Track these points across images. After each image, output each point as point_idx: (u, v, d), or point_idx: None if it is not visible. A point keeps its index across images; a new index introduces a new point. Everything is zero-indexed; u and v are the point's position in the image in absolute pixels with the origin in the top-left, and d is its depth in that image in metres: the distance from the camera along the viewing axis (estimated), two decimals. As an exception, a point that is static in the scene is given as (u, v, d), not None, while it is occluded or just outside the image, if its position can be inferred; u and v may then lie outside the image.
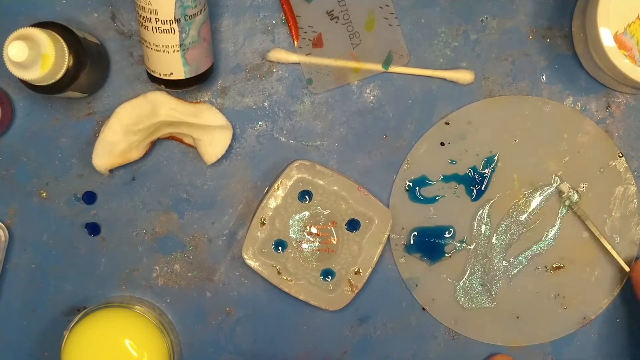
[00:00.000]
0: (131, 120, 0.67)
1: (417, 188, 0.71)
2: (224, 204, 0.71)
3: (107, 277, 0.72)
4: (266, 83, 0.71)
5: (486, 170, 0.71)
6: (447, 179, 0.71)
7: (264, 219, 0.69)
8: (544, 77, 0.71)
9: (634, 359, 0.72)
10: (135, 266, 0.72)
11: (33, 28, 0.58)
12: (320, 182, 0.69)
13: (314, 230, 0.70)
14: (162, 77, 0.65)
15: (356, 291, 0.70)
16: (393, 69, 0.70)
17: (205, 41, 0.65)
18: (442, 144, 0.71)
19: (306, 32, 0.70)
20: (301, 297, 0.70)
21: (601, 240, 0.70)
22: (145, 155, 0.70)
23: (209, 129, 0.68)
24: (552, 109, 0.70)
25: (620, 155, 0.71)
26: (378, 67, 0.70)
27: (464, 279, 0.71)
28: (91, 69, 0.64)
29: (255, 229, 0.69)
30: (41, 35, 0.58)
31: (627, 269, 0.70)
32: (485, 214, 0.71)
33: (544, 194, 0.71)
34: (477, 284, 0.72)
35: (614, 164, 0.71)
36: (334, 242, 0.70)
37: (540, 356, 0.72)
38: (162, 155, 0.71)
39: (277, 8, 0.70)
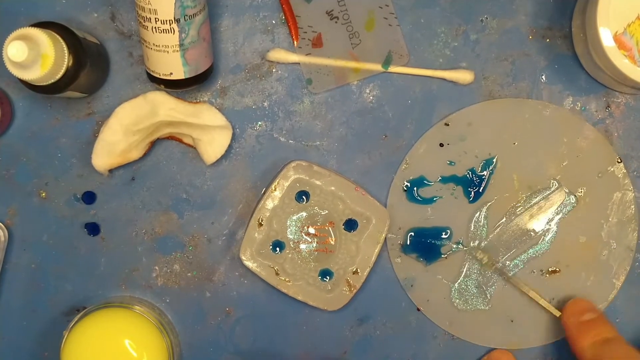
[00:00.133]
0: (131, 120, 0.67)
1: (415, 188, 0.71)
2: (224, 204, 0.71)
3: (107, 277, 0.72)
4: (266, 83, 0.71)
5: (485, 172, 0.71)
6: (445, 180, 0.71)
7: (262, 220, 0.69)
8: (543, 77, 0.71)
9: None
10: (135, 266, 0.72)
11: (33, 28, 0.59)
12: (318, 182, 0.69)
13: (311, 230, 0.70)
14: (161, 77, 0.65)
15: (354, 291, 0.70)
16: (393, 69, 0.70)
17: (205, 41, 0.65)
18: (442, 144, 0.71)
19: (306, 32, 0.70)
20: (299, 298, 0.70)
21: (529, 293, 0.70)
22: (145, 155, 0.70)
23: (209, 129, 0.68)
24: (552, 112, 0.70)
25: (619, 161, 0.71)
26: (378, 67, 0.70)
27: (459, 281, 0.71)
28: (91, 69, 0.64)
29: (252, 230, 0.69)
30: (41, 35, 0.58)
31: (557, 314, 0.70)
32: (483, 216, 0.71)
33: (542, 198, 0.71)
34: (472, 286, 0.71)
35: (612, 169, 0.71)
36: (332, 243, 0.70)
37: (540, 356, 0.72)
38: (162, 155, 0.71)
39: (277, 8, 0.70)
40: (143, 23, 0.63)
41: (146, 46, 0.64)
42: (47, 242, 0.71)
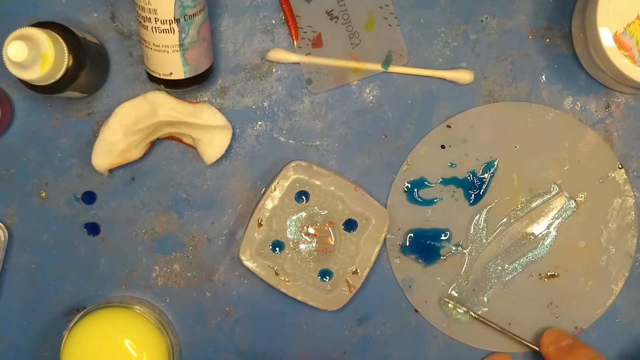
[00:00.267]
0: (131, 120, 0.67)
1: (416, 189, 0.71)
2: (224, 203, 0.71)
3: (107, 277, 0.72)
4: (266, 83, 0.71)
5: (485, 175, 0.71)
6: (446, 181, 0.71)
7: (261, 220, 0.69)
8: (543, 77, 0.71)
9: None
10: (135, 266, 0.72)
11: (33, 28, 0.59)
12: (317, 182, 0.69)
13: (311, 230, 0.70)
14: (161, 77, 0.65)
15: (354, 291, 0.70)
16: (393, 68, 0.70)
17: (205, 41, 0.65)
18: (443, 146, 0.71)
19: (306, 32, 0.70)
20: (299, 298, 0.70)
21: (506, 331, 0.70)
22: (145, 155, 0.70)
23: (209, 129, 0.68)
24: (554, 117, 0.70)
25: (620, 167, 0.71)
26: (378, 67, 0.70)
27: (457, 283, 0.71)
28: (91, 69, 0.64)
29: (252, 230, 0.69)
30: (41, 35, 0.58)
31: (536, 349, 0.70)
32: (483, 218, 0.71)
33: (542, 202, 0.71)
34: (470, 289, 0.71)
35: (613, 175, 0.71)
36: (332, 243, 0.70)
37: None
38: (162, 155, 0.71)
39: (277, 8, 0.70)
40: (143, 23, 0.63)
41: (146, 46, 0.64)
42: (47, 242, 0.71)
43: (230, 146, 0.70)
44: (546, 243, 0.71)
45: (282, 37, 0.70)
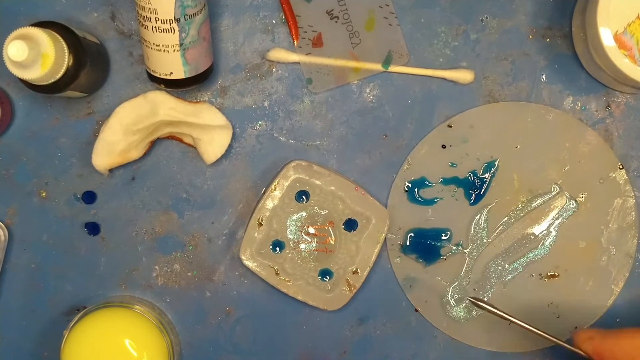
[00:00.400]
0: (131, 120, 0.67)
1: (416, 189, 0.71)
2: (224, 203, 0.71)
3: (107, 276, 0.72)
4: (266, 83, 0.71)
5: (486, 175, 0.71)
6: (446, 181, 0.71)
7: (262, 220, 0.69)
8: (543, 76, 0.71)
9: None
10: (135, 266, 0.72)
11: (33, 27, 0.59)
12: (317, 182, 0.69)
13: (311, 230, 0.70)
14: (161, 76, 0.65)
15: (354, 291, 0.70)
16: (393, 68, 0.70)
17: (205, 41, 0.65)
18: (444, 146, 0.71)
19: (306, 32, 0.70)
20: (299, 298, 0.70)
21: (532, 329, 0.65)
22: (145, 154, 0.70)
23: (209, 129, 0.68)
24: (555, 117, 0.70)
25: (621, 167, 0.71)
26: (378, 67, 0.70)
27: (457, 282, 0.71)
28: (91, 68, 0.64)
29: (252, 230, 0.69)
30: (41, 35, 0.58)
31: (576, 350, 0.63)
32: (483, 218, 0.71)
33: (543, 202, 0.71)
34: (470, 288, 0.71)
35: (614, 175, 0.71)
36: (332, 242, 0.70)
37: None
38: (162, 155, 0.71)
39: (277, 8, 0.70)
40: (143, 22, 0.63)
41: (146, 46, 0.64)
42: (47, 242, 0.71)
43: (230, 146, 0.70)
44: (546, 243, 0.71)
45: (283, 37, 0.70)
